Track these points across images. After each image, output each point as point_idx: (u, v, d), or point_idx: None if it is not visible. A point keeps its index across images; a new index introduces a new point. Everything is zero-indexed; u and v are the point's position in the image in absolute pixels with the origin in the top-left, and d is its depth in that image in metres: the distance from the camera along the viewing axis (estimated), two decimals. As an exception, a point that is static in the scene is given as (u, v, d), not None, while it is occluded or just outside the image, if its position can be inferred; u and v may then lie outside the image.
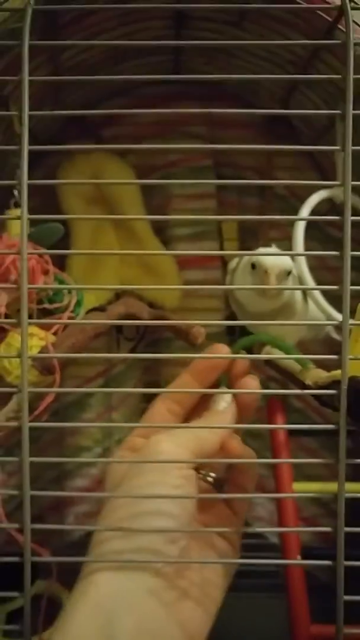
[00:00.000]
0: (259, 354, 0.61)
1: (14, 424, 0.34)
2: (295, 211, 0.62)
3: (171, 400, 0.37)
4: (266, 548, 0.68)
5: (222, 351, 0.36)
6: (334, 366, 0.34)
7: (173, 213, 0.77)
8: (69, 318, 0.57)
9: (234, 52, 0.65)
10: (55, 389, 0.48)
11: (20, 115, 0.31)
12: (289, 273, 0.55)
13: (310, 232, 0.60)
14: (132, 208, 0.70)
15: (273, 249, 0.59)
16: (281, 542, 0.59)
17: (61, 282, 0.58)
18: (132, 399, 0.78)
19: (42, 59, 0.54)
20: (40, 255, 0.55)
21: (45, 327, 0.53)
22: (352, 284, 0.32)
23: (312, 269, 0.59)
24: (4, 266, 0.51)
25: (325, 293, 0.58)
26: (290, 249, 0.59)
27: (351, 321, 0.32)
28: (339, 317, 0.33)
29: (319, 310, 0.57)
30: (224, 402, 0.36)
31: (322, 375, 0.42)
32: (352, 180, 0.33)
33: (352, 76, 0.33)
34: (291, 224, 0.61)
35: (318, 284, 0.59)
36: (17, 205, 0.54)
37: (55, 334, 0.54)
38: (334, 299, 0.54)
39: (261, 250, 0.59)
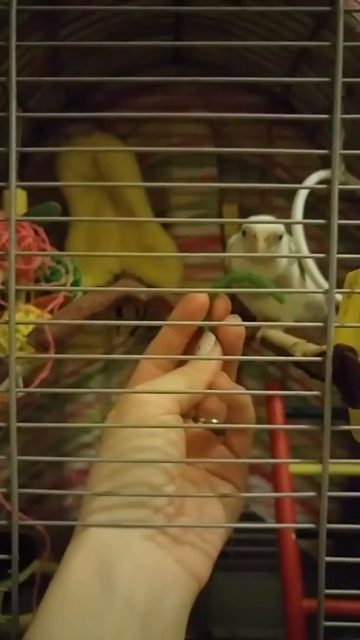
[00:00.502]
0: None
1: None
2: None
3: (156, 354, 0.37)
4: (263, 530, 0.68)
5: (198, 298, 0.35)
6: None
7: (174, 198, 0.77)
8: (66, 298, 0.57)
9: (233, 32, 0.65)
10: (44, 355, 0.48)
11: (8, 81, 0.31)
12: (280, 237, 0.55)
13: (312, 217, 0.59)
14: (131, 189, 0.71)
15: (264, 217, 0.59)
16: (277, 522, 0.59)
17: (59, 262, 0.59)
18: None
19: (39, 35, 0.54)
20: (36, 234, 0.55)
21: (41, 305, 0.53)
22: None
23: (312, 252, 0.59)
24: (1, 243, 0.51)
25: (323, 273, 0.58)
26: (290, 229, 0.60)
27: (336, 290, 0.32)
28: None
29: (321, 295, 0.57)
30: (208, 345, 0.36)
31: (311, 348, 0.42)
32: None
33: (341, 43, 0.33)
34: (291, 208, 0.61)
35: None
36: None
37: (51, 312, 0.54)
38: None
39: (252, 218, 0.59)
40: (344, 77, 0.32)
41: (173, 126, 0.77)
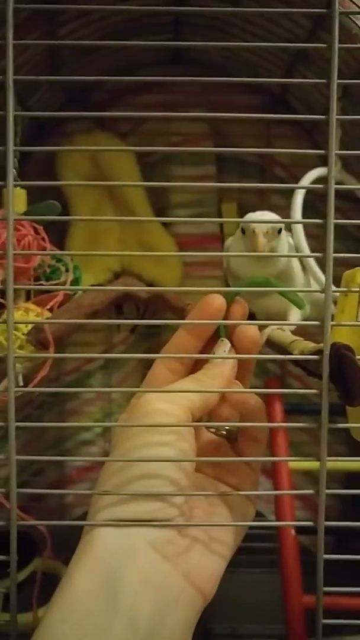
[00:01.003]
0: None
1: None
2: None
3: (171, 359, 0.36)
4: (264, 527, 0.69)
5: (216, 301, 0.35)
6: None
7: (173, 196, 0.77)
8: (66, 296, 0.57)
9: (232, 32, 0.65)
10: (43, 355, 0.48)
11: (5, 80, 0.31)
12: (279, 231, 0.55)
13: (310, 216, 0.60)
14: (130, 188, 0.71)
15: (262, 212, 0.59)
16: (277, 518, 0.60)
17: (59, 260, 0.59)
18: (132, 379, 0.79)
19: (38, 34, 0.54)
20: (36, 232, 0.56)
21: (41, 303, 0.53)
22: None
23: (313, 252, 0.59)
24: (0, 242, 0.51)
25: (323, 270, 0.58)
26: (290, 230, 0.60)
27: (334, 287, 0.32)
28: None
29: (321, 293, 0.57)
30: (223, 352, 0.35)
31: (309, 345, 0.42)
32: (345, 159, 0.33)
33: (337, 44, 0.33)
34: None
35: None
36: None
37: (51, 310, 0.54)
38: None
39: (249, 214, 0.59)
40: (340, 77, 0.32)
41: (172, 125, 0.77)
